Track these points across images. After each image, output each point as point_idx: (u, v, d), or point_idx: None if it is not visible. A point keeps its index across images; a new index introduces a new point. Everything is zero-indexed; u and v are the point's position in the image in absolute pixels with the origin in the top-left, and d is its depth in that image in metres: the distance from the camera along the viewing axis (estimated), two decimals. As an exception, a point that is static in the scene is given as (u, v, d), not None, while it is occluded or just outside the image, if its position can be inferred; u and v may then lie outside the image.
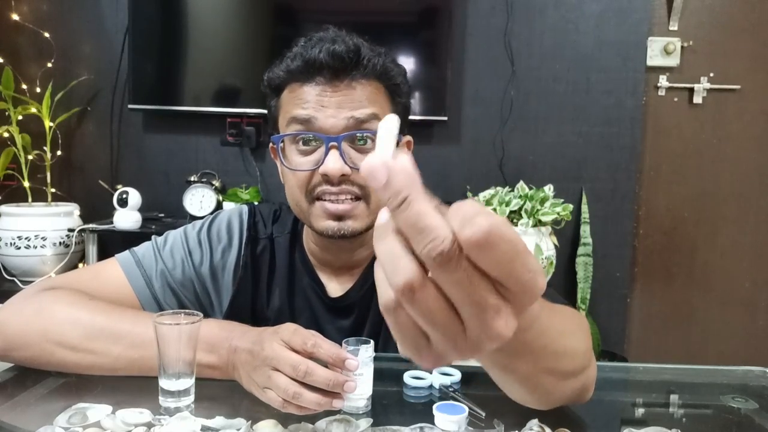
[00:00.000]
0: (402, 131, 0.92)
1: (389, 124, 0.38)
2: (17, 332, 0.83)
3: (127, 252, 0.96)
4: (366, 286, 0.95)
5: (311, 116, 0.83)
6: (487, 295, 0.34)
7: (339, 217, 0.85)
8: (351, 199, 0.85)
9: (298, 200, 0.88)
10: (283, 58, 0.88)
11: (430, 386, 0.85)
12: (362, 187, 0.85)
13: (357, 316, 0.96)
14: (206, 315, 0.98)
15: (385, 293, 0.35)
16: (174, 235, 0.97)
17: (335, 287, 0.97)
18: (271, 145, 0.92)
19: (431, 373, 0.86)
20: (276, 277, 0.98)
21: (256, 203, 1.07)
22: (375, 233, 0.36)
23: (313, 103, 0.84)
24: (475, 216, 0.32)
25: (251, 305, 0.98)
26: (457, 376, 0.85)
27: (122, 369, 0.81)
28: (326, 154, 0.83)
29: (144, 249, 0.96)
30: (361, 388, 0.75)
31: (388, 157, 0.35)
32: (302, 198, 0.87)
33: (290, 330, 0.70)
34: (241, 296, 0.97)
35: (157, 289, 0.93)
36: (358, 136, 0.84)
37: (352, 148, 0.85)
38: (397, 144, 0.88)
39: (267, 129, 0.98)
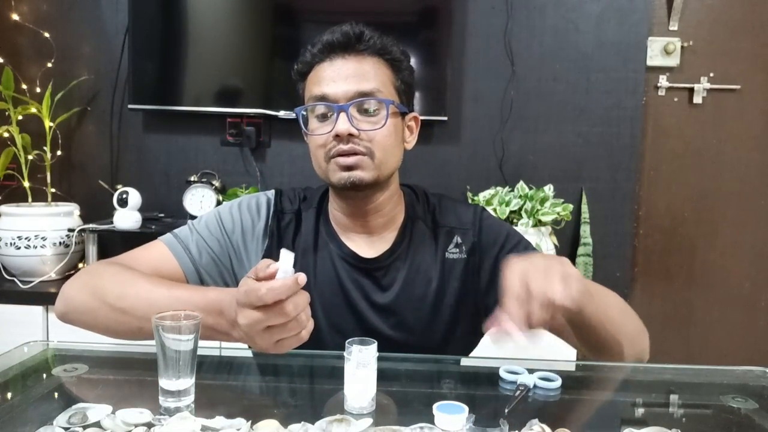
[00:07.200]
0: (409, 108, 1.07)
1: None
2: (74, 294, 0.96)
3: (167, 234, 1.09)
4: (397, 252, 1.07)
5: (324, 92, 0.99)
6: None
7: (349, 168, 0.99)
8: (359, 155, 0.99)
9: (319, 161, 1.02)
10: (306, 50, 1.04)
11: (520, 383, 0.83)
12: (368, 145, 0.99)
13: (379, 277, 1.06)
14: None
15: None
16: (207, 214, 1.11)
17: (367, 250, 1.07)
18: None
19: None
20: (299, 243, 1.08)
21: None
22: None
23: (327, 79, 1.00)
24: None
25: None
26: (557, 381, 0.84)
27: (148, 332, 0.83)
28: (337, 119, 0.98)
29: (181, 228, 1.09)
30: (364, 388, 0.75)
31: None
32: (322, 158, 1.01)
33: (241, 291, 0.77)
34: None
35: (194, 253, 1.04)
36: (363, 105, 0.99)
37: (358, 113, 0.99)
38: (404, 115, 1.06)
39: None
